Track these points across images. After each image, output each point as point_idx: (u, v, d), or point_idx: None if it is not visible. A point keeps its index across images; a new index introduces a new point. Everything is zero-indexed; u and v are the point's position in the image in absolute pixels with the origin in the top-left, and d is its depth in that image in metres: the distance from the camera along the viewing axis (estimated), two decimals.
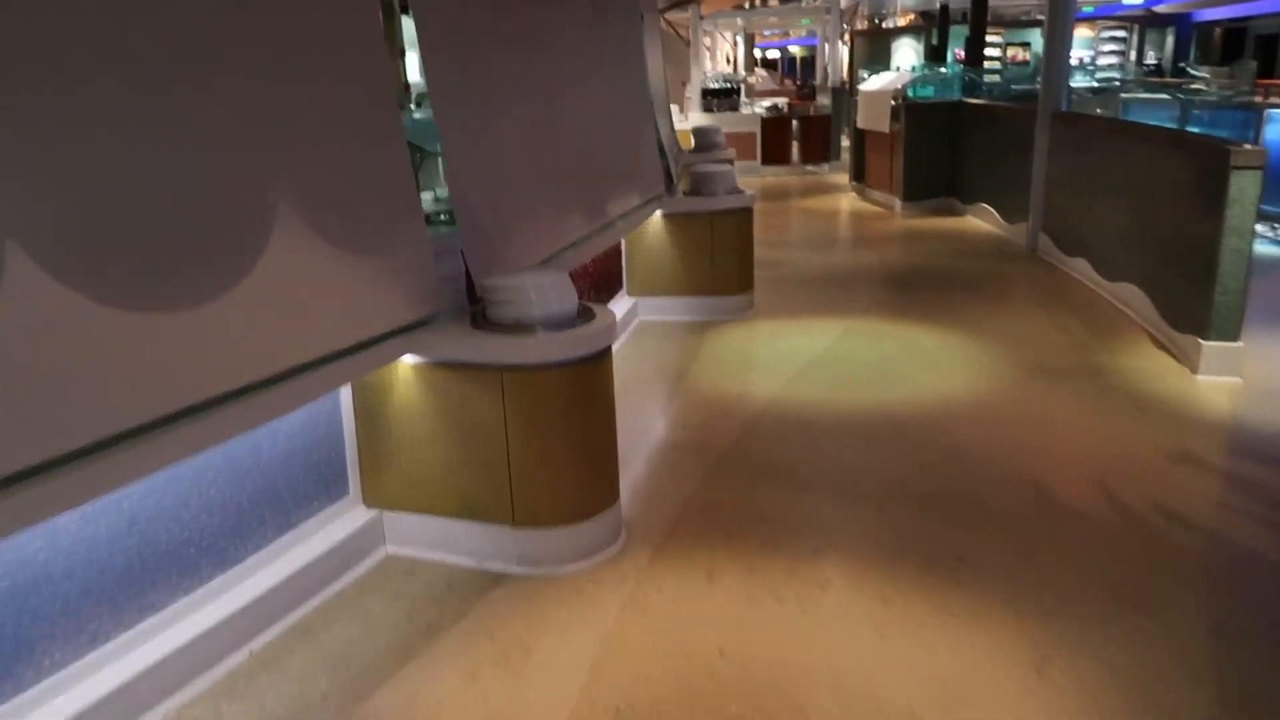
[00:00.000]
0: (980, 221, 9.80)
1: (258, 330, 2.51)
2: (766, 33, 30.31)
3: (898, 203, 10.76)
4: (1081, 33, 21.02)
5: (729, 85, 15.01)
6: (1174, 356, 5.25)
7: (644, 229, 6.32)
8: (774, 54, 37.80)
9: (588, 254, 4.86)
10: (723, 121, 14.52)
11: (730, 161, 9.54)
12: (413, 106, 5.25)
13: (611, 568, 3.24)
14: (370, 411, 3.29)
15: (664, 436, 4.42)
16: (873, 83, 11.83)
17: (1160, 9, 21.13)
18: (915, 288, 7.22)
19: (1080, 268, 7.19)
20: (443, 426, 3.21)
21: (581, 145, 4.86)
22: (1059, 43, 7.88)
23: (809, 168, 15.04)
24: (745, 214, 6.43)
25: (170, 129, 2.26)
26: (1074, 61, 19.85)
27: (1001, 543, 3.32)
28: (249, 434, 2.84)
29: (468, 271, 3.43)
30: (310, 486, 3.13)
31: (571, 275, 5.33)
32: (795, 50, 37.31)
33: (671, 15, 15.80)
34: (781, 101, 20.33)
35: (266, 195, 2.54)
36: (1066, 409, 4.59)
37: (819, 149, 14.91)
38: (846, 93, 15.78)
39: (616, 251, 6.26)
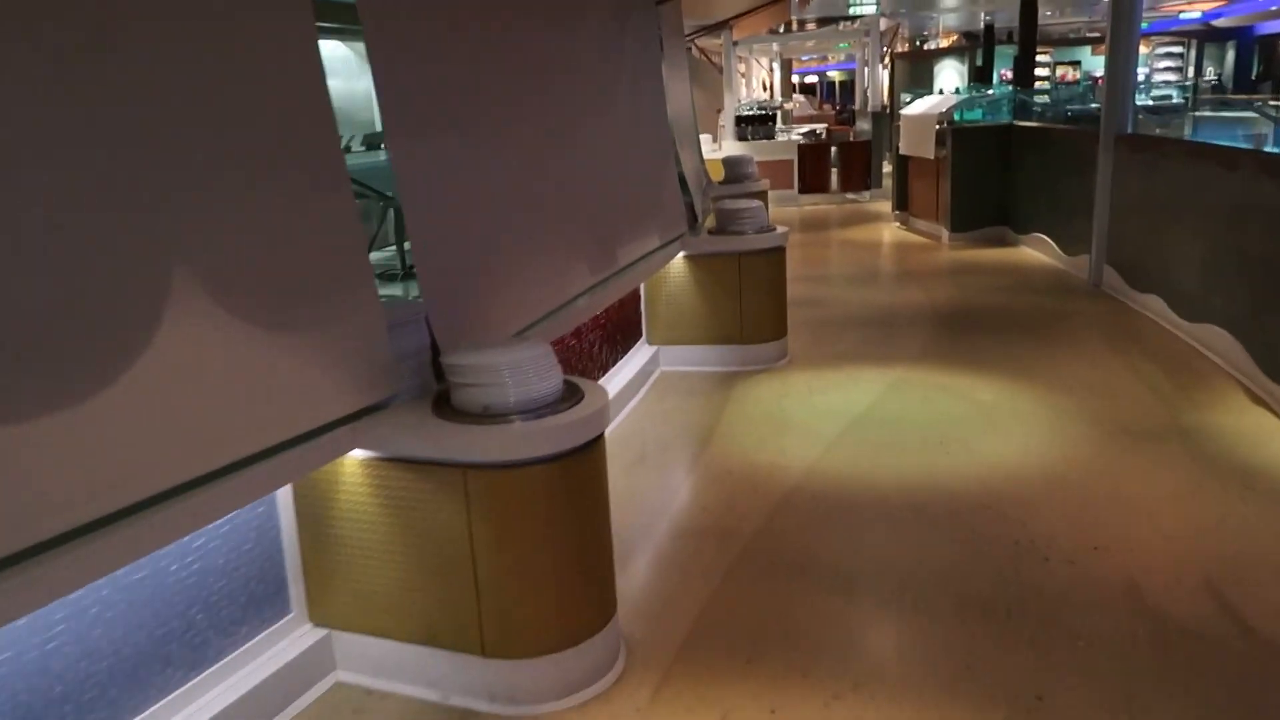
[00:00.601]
0: (1035, 253, 9.08)
1: (161, 430, 1.97)
2: (804, 58, 29.80)
3: (945, 233, 10.07)
4: None
5: (764, 112, 14.45)
6: (1276, 414, 4.53)
7: (665, 272, 5.75)
8: (812, 79, 37.30)
9: (595, 307, 4.30)
10: (758, 149, 13.97)
11: (763, 194, 8.99)
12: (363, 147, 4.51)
13: (603, 706, 2.64)
14: (315, 516, 2.73)
15: (679, 520, 3.81)
16: (915, 106, 11.19)
17: (1219, 23, 20.22)
18: (968, 330, 6.54)
19: (1153, 305, 6.47)
20: (399, 535, 2.64)
21: (590, 183, 4.31)
22: (1123, 60, 7.19)
23: (849, 196, 14.40)
24: (777, 254, 5.82)
25: (30, 187, 1.72)
26: None
27: (1091, 675, 2.65)
28: (150, 557, 2.29)
29: (434, 343, 2.87)
30: (237, 610, 2.57)
31: (584, 325, 4.82)
32: (834, 75, 36.76)
33: (704, 41, 15.32)
34: (820, 127, 19.74)
35: (170, 263, 2.01)
36: (1158, 485, 3.90)
37: (859, 176, 14.26)
38: (888, 117, 15.14)
39: (635, 296, 5.69)
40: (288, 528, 2.74)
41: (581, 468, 2.62)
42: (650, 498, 4.01)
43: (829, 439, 4.54)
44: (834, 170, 14.46)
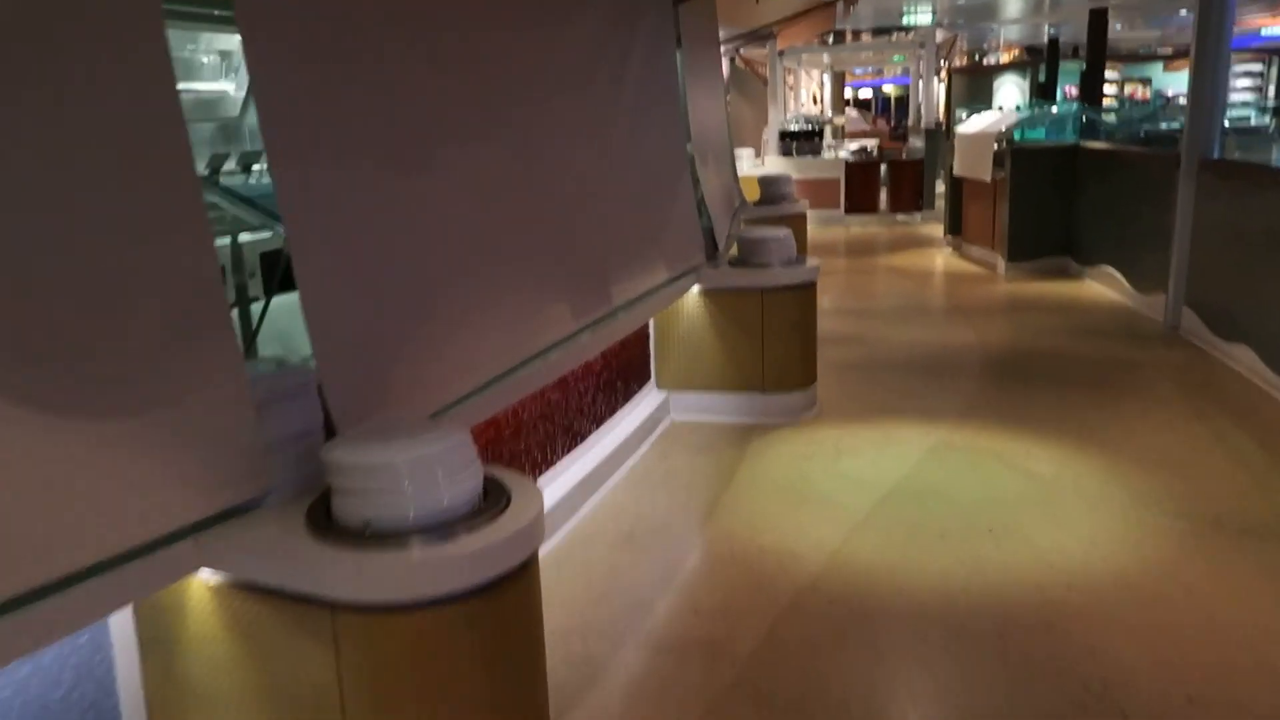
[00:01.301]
0: (1102, 288, 8.23)
1: None
2: (858, 71, 28.94)
3: (1001, 262, 9.25)
4: None
5: (810, 127, 13.71)
6: None
7: (679, 307, 5.08)
8: (866, 93, 36.34)
9: (578, 358, 3.64)
10: (803, 166, 13.26)
11: (801, 216, 8.28)
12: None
13: None
14: (161, 646, 2.11)
15: (660, 627, 3.12)
16: (971, 124, 10.39)
17: None
18: (1025, 380, 5.76)
19: (1242, 358, 5.63)
20: (253, 685, 2.00)
21: (573, 211, 3.65)
22: (1209, 77, 6.37)
23: (899, 217, 13.59)
24: (805, 291, 5.12)
25: None
26: None
27: None
28: None
29: (329, 421, 2.23)
30: None
31: (573, 372, 4.17)
32: (889, 89, 35.76)
33: (750, 52, 14.65)
34: (871, 144, 18.92)
35: None
36: (1265, 604, 3.12)
37: (910, 197, 13.46)
38: (942, 134, 14.31)
39: (642, 334, 5.02)
40: (127, 660, 2.11)
41: (502, 608, 1.96)
42: (630, 592, 3.33)
43: (855, 518, 3.82)
44: (884, 190, 13.68)
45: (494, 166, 3.05)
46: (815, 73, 20.56)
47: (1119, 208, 7.96)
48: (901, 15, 11.59)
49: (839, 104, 25.13)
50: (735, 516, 3.92)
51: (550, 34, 3.56)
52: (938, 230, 11.70)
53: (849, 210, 13.46)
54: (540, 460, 3.77)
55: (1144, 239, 7.37)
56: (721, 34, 8.88)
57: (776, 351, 5.05)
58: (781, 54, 13.46)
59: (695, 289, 5.03)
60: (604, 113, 3.99)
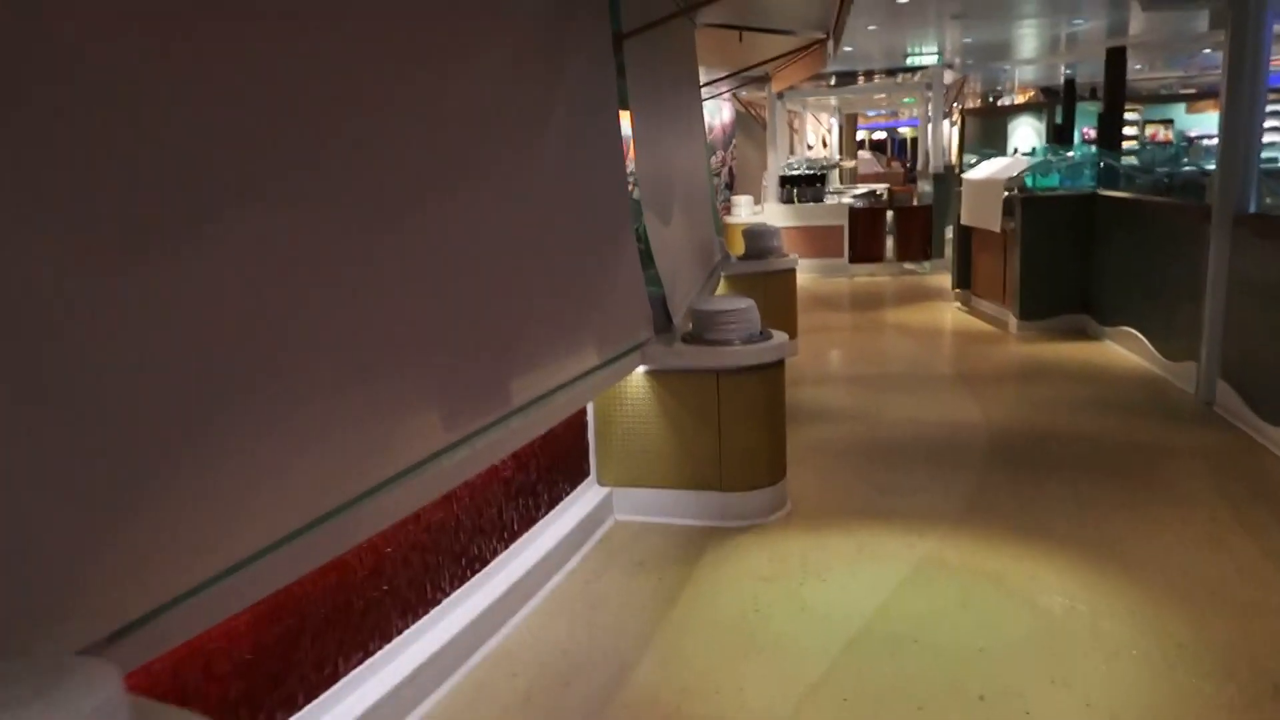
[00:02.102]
0: (1124, 351, 7.42)
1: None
2: (870, 113, 28.41)
3: (1012, 320, 8.46)
4: None
5: (812, 171, 13.03)
6: None
7: (622, 389, 4.34)
8: (881, 135, 35.81)
9: (450, 478, 2.87)
10: (805, 213, 12.56)
11: (790, 271, 7.56)
12: None
13: None
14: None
15: None
16: (980, 170, 9.65)
17: None
18: (1035, 470, 4.95)
19: None
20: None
21: (450, 282, 2.91)
22: (1244, 122, 5.61)
23: (907, 266, 12.84)
24: (771, 372, 4.36)
25: None
26: None
27: None
28: None
29: None
30: None
31: (472, 482, 3.42)
32: (905, 131, 35.20)
33: (751, 95, 14.05)
34: (881, 188, 18.26)
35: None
36: None
37: (918, 245, 12.72)
38: (953, 178, 13.59)
39: (578, 421, 4.28)
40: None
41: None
42: None
43: (812, 675, 3.03)
44: (890, 237, 12.95)
45: (341, 239, 2.31)
46: (825, 116, 19.96)
47: (1142, 263, 7.17)
48: (906, 56, 10.94)
49: (851, 147, 24.55)
50: (665, 670, 3.13)
51: (432, 73, 2.87)
52: (947, 280, 10.93)
53: (854, 259, 12.72)
54: (413, 603, 3.01)
55: (1170, 299, 6.58)
56: (710, 75, 8.24)
57: (736, 443, 4.28)
58: (781, 96, 12.82)
59: (639, 371, 4.29)
60: (512, 159, 3.27)
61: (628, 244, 4.22)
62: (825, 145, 22.24)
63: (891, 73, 12.35)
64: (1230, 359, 5.71)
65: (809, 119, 19.74)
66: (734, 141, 19.63)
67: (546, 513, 3.93)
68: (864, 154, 27.81)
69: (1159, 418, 5.74)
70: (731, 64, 7.93)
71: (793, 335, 7.71)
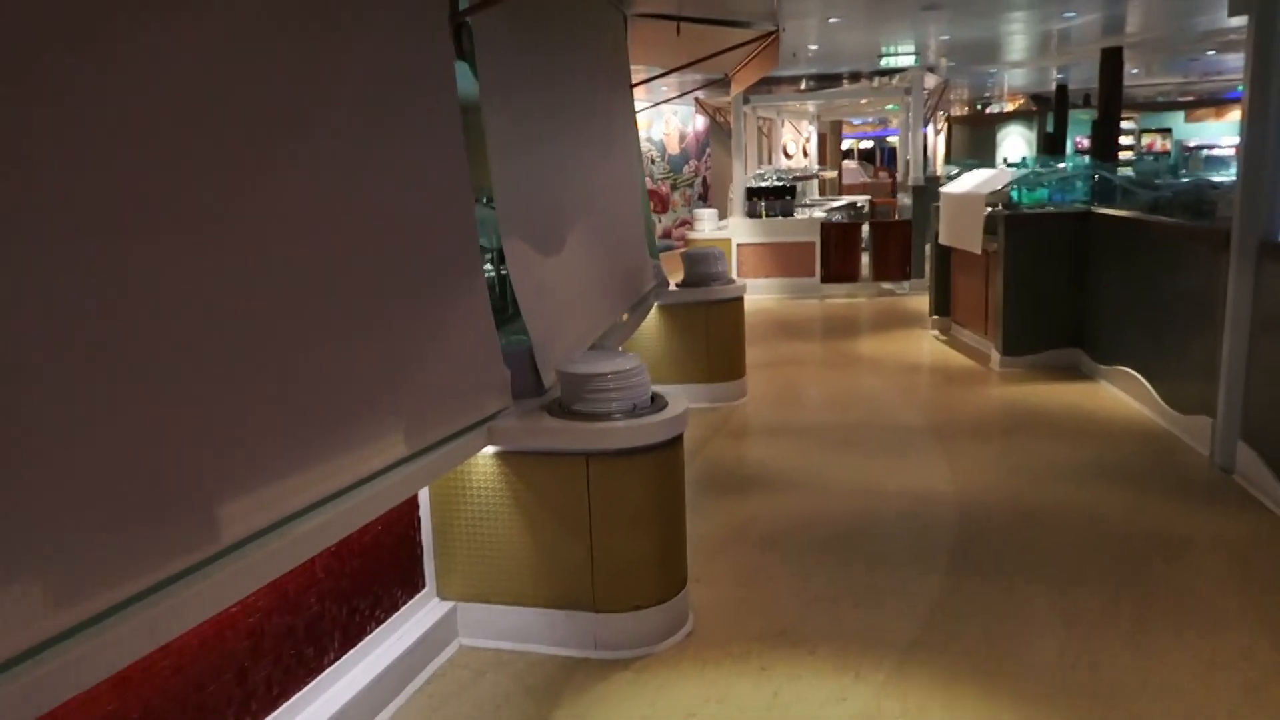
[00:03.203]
0: (1122, 395, 6.37)
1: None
2: (856, 121, 27.44)
3: (995, 354, 7.41)
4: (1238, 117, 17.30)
5: (782, 183, 11.99)
6: None
7: (466, 473, 3.27)
8: (868, 144, 34.84)
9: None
10: (773, 228, 11.52)
11: (737, 300, 6.52)
12: None
13: None
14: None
15: None
16: (959, 183, 8.62)
17: None
18: (1013, 572, 3.88)
19: None
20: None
21: (208, 342, 1.85)
22: (1273, 130, 4.57)
23: (884, 286, 11.80)
24: (664, 455, 3.28)
25: None
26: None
27: None
28: None
29: None
30: None
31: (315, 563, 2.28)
32: (894, 140, 34.25)
33: (716, 101, 13.02)
34: (862, 200, 17.26)
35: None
36: None
37: (897, 263, 11.67)
38: (936, 190, 12.57)
39: (404, 519, 3.20)
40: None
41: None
42: None
43: None
44: (868, 254, 11.88)
45: None
46: (804, 123, 18.93)
47: (1144, 293, 6.13)
48: (880, 56, 9.92)
49: (835, 156, 23.58)
50: None
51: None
52: (926, 303, 9.88)
53: (826, 279, 11.68)
54: None
55: (1178, 338, 5.54)
56: (647, 73, 7.20)
57: (614, 549, 3.21)
58: (748, 101, 11.79)
59: (487, 451, 3.22)
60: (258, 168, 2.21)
61: (472, 281, 3.15)
62: (806, 155, 21.22)
63: (867, 76, 11.33)
64: (1253, 416, 4.66)
65: (787, 127, 18.71)
66: (708, 151, 18.62)
67: (350, 645, 2.85)
68: (849, 164, 26.85)
69: (1167, 490, 4.68)
70: (672, 62, 6.91)
71: (739, 374, 6.67)
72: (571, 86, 4.61)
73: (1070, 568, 3.86)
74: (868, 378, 7.40)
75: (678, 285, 6.64)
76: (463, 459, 3.09)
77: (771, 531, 4.33)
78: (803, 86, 11.36)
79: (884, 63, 9.98)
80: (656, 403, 3.35)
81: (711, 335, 6.53)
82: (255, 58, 2.15)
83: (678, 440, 3.32)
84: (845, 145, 31.41)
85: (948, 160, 18.72)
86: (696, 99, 12.58)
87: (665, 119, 17.56)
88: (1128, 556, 3.95)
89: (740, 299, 6.67)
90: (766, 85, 11.71)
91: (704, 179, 18.78)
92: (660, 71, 6.76)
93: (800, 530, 4.33)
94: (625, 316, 5.27)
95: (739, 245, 11.68)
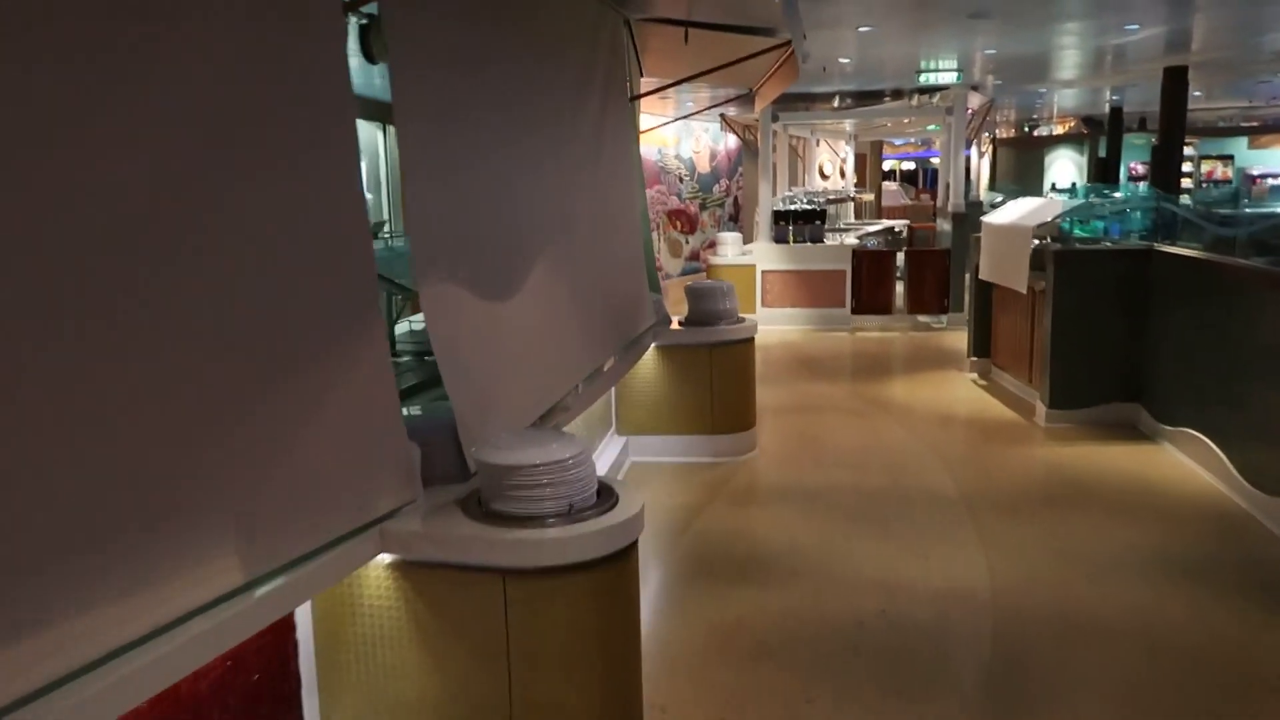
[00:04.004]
0: (1190, 463, 5.52)
1: None
2: (898, 141, 26.57)
3: (1040, 406, 6.58)
4: None
5: (812, 206, 11.23)
6: None
7: (355, 587, 2.56)
8: (910, 165, 33.90)
9: None
10: (802, 255, 10.77)
11: (747, 342, 5.81)
12: None
13: None
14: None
15: None
16: (1003, 212, 7.81)
17: None
18: (1060, 705, 3.09)
19: None
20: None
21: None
22: None
23: (921, 319, 10.96)
24: (612, 571, 2.51)
25: None
26: None
27: None
28: None
29: None
30: None
31: None
32: (939, 162, 33.28)
33: (743, 117, 12.30)
34: (899, 224, 16.46)
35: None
36: None
37: (934, 294, 10.82)
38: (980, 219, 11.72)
39: (276, 649, 2.49)
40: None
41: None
42: None
43: None
44: (903, 283, 11.05)
45: None
46: (842, 143, 18.12)
47: (1217, 345, 5.29)
48: (919, 72, 9.14)
49: (875, 177, 22.76)
50: None
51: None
52: (964, 340, 9.02)
53: (857, 310, 10.87)
54: None
55: (1260, 401, 4.70)
56: (655, 83, 6.51)
57: (542, 695, 2.46)
58: (777, 119, 11.06)
59: (382, 560, 2.50)
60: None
61: (367, 333, 2.43)
62: (844, 175, 20.40)
63: (906, 94, 10.55)
64: None
65: (823, 147, 17.93)
66: (740, 170, 17.89)
67: None
68: (889, 185, 25.98)
69: (1247, 595, 3.85)
70: (681, 73, 6.23)
71: (748, 425, 5.92)
72: (540, 92, 3.91)
73: (1124, 709, 3.05)
74: (895, 429, 6.59)
75: (680, 323, 5.91)
76: (347, 572, 2.38)
77: (763, 639, 3.57)
78: (836, 104, 10.61)
79: (923, 79, 9.21)
80: (604, 499, 2.61)
81: (717, 381, 5.78)
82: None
83: (629, 551, 2.58)
84: (886, 166, 30.58)
85: (992, 185, 17.85)
86: (723, 116, 11.87)
87: (695, 136, 16.87)
88: (1199, 695, 3.13)
89: (750, 340, 5.93)
90: (798, 102, 10.97)
91: (735, 199, 18.05)
92: (666, 82, 6.04)
93: (799, 639, 3.56)
94: (610, 363, 4.55)
95: (764, 272, 10.93)
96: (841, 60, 8.20)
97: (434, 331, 2.75)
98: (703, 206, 17.86)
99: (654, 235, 16.07)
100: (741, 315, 6.01)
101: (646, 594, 4.04)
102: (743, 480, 5.51)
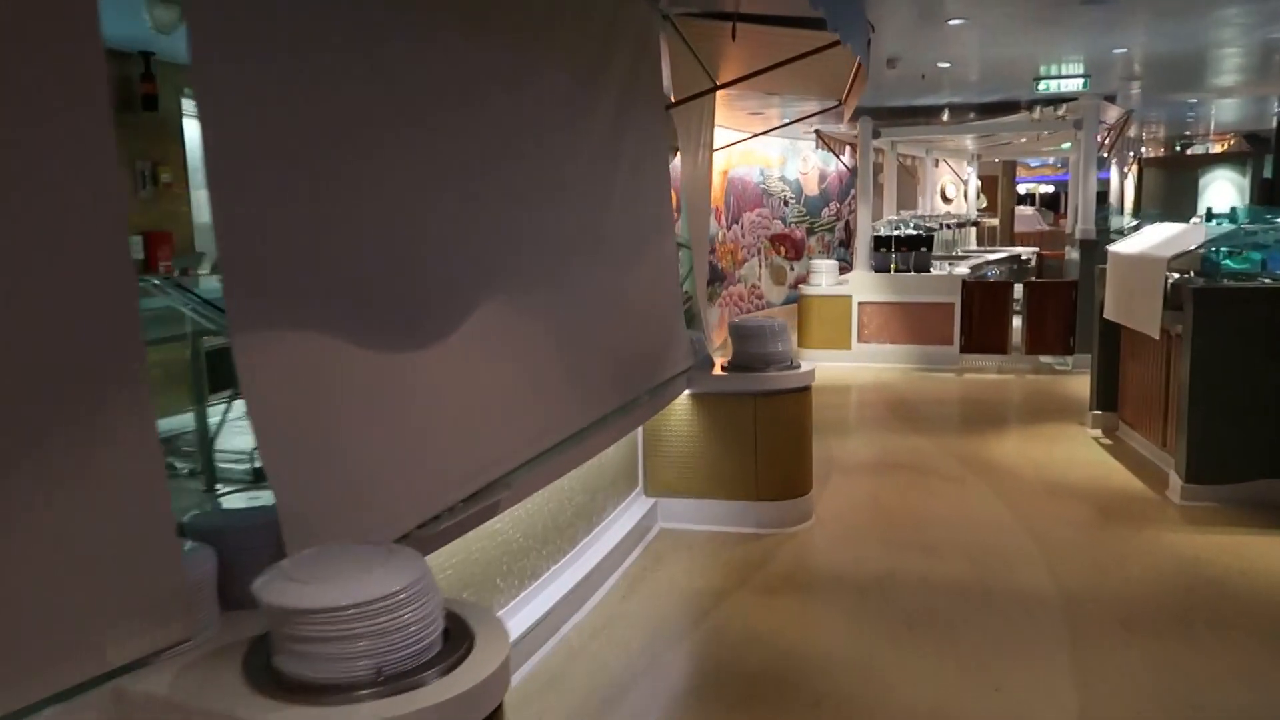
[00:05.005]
0: None
1: None
2: (1033, 163, 24.73)
3: (1174, 478, 5.36)
4: None
5: (917, 232, 10.10)
6: None
7: None
8: (1049, 189, 31.73)
9: None
10: (903, 286, 9.68)
11: (803, 391, 4.89)
12: None
13: None
14: None
15: None
16: (1134, 241, 6.58)
17: None
18: None
19: None
20: None
21: None
22: None
23: (1043, 360, 9.65)
24: None
25: None
26: None
27: None
28: None
29: None
30: None
31: None
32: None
33: (846, 133, 11.29)
34: (1027, 252, 15.04)
35: None
36: None
37: (1057, 331, 9.49)
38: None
39: None
40: None
41: None
42: None
43: None
44: (1021, 319, 9.76)
45: None
46: (963, 165, 16.72)
47: None
48: (1037, 79, 7.95)
49: (1006, 200, 21.15)
50: None
51: None
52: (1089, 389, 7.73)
53: (966, 348, 9.66)
54: None
55: None
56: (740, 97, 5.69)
57: None
58: (878, 134, 10.01)
59: None
60: None
61: (129, 398, 1.71)
62: (978, 198, 18.93)
63: (1026, 106, 9.33)
64: None
65: (942, 167, 16.61)
66: (852, 193, 16.76)
67: None
68: (1023, 210, 24.20)
69: None
70: (731, 74, 5.37)
71: (801, 489, 5.00)
72: (583, 101, 3.17)
73: None
74: (990, 499, 5.48)
75: (725, 367, 5.03)
76: None
77: None
78: (945, 118, 9.48)
79: (1043, 87, 8.02)
80: (452, 648, 1.79)
81: (762, 438, 4.87)
82: None
83: None
84: (1023, 189, 28.69)
85: (1136, 210, 16.12)
86: (817, 132, 10.89)
87: (803, 155, 15.86)
88: None
89: (805, 390, 4.98)
90: (903, 116, 9.90)
91: (846, 223, 16.93)
92: (705, 88, 5.17)
93: None
94: (605, 413, 3.72)
95: (860, 303, 9.87)
96: (941, 65, 7.14)
97: (252, 394, 2.00)
98: (810, 231, 16.80)
99: (755, 261, 15.20)
100: (797, 360, 5.08)
101: (618, 713, 3.18)
102: (785, 560, 4.56)
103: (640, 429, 4.91)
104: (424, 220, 2.65)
